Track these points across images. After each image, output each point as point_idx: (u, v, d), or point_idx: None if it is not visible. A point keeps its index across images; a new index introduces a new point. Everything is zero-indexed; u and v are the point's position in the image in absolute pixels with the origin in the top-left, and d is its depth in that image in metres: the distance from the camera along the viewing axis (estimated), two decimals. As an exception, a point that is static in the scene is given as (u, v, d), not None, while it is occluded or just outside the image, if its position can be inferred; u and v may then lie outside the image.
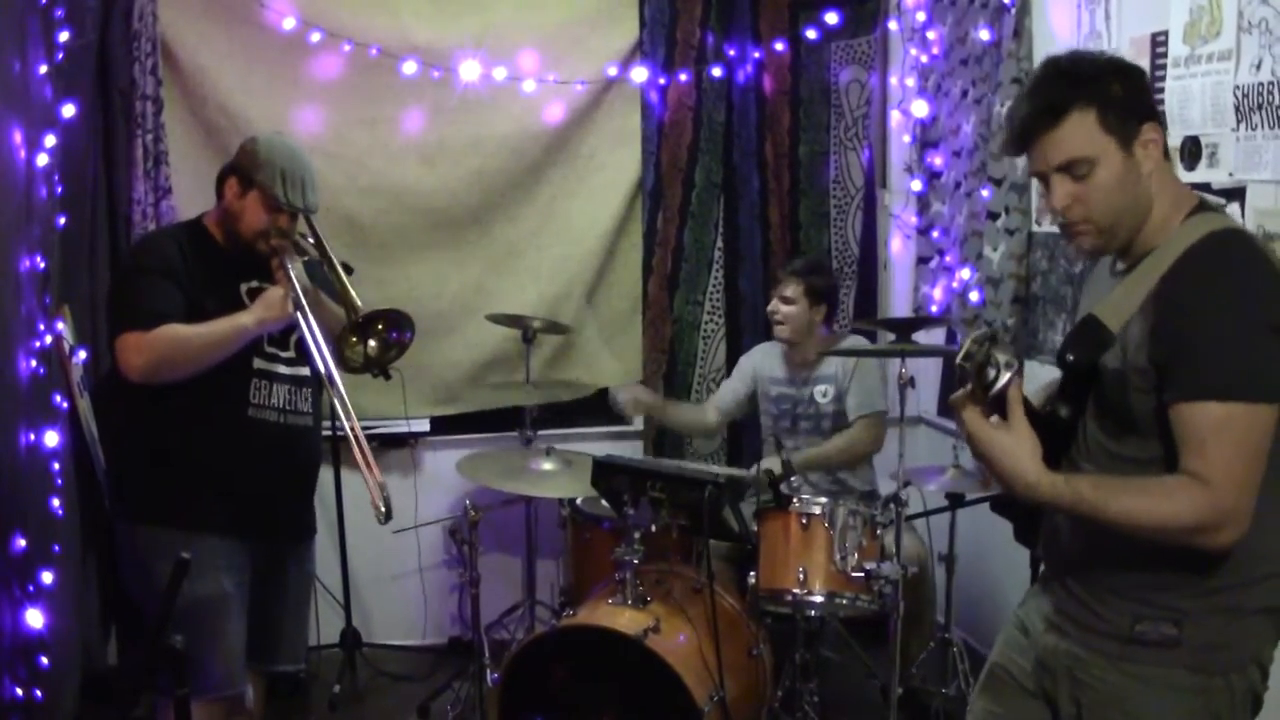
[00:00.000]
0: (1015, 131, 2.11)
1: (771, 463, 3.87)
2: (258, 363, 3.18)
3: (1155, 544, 2.00)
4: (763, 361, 4.59)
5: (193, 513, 3.08)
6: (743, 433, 5.10)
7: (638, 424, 5.21)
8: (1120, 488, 2.00)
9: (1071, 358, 2.13)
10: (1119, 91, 2.04)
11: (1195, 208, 2.10)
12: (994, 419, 2.06)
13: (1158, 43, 3.46)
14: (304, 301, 3.10)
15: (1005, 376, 2.02)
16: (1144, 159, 2.06)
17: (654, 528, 3.58)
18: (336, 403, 3.08)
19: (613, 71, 4.92)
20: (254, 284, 3.19)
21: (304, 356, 3.19)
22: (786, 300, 4.34)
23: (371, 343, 3.13)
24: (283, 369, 3.22)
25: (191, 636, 2.83)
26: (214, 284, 3.15)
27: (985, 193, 4.36)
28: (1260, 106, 3.05)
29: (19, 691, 3.10)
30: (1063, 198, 2.08)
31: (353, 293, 3.16)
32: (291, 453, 3.27)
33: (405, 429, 4.87)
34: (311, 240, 3.29)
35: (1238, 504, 1.94)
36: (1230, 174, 3.18)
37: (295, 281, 3.12)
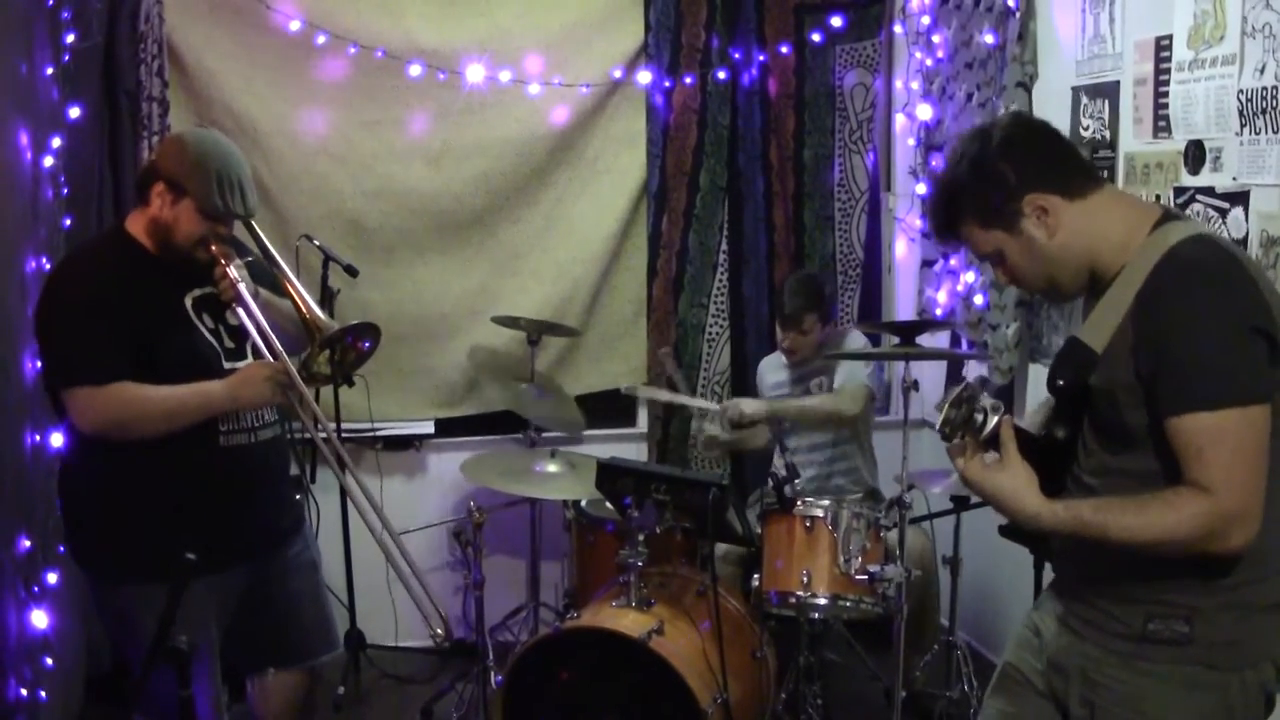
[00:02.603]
0: (940, 243, 2.47)
1: (777, 465, 3.88)
2: None
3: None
4: (765, 372, 4.64)
5: (160, 565, 2.48)
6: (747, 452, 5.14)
7: (642, 425, 5.21)
8: (1120, 507, 2.02)
9: (1061, 382, 2.18)
10: (986, 191, 2.17)
11: (1160, 219, 2.12)
12: (990, 457, 2.14)
13: (1161, 46, 3.46)
14: (254, 309, 2.91)
15: (994, 420, 2.11)
16: (1035, 227, 2.15)
17: (658, 530, 3.59)
18: (297, 404, 2.94)
19: (618, 74, 4.93)
20: (197, 293, 2.97)
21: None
22: (805, 332, 4.36)
23: (335, 354, 2.99)
24: None
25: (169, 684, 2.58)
26: (156, 302, 2.90)
27: (990, 196, 4.35)
28: (1264, 111, 3.05)
29: (24, 692, 3.11)
30: (1002, 278, 2.30)
31: (311, 305, 2.98)
32: (266, 467, 3.08)
33: (408, 431, 4.90)
34: (253, 241, 3.08)
35: (1242, 506, 1.95)
36: (1234, 178, 3.18)
37: (244, 291, 2.92)
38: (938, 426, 2.14)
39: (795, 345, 4.39)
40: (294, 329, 3.04)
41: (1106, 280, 2.12)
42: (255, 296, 2.94)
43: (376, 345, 3.06)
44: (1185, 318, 1.98)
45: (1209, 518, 1.95)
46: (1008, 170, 2.15)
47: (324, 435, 3.05)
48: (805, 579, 3.54)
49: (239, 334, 3.00)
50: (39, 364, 3.07)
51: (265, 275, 3.09)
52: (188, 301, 2.96)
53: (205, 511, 2.92)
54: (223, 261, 2.91)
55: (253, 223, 3.03)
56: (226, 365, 2.96)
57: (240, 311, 2.94)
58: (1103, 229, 2.13)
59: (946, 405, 2.12)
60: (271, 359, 2.92)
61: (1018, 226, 2.15)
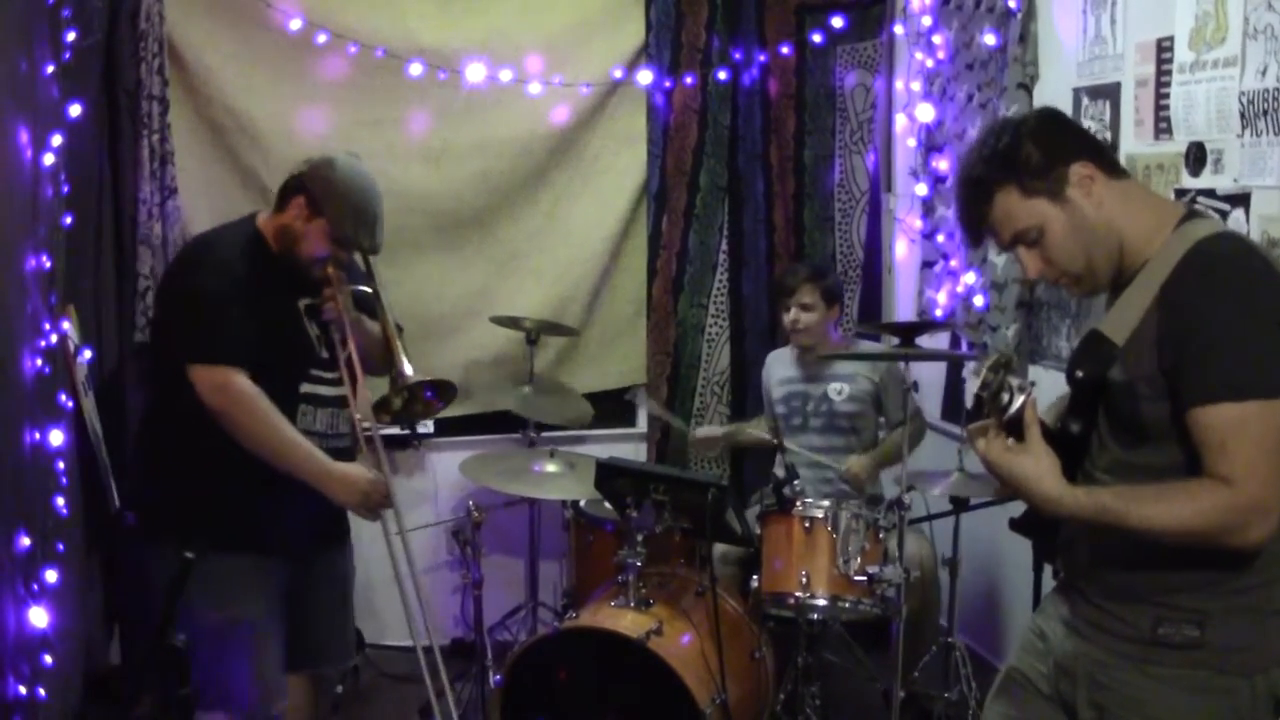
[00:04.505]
0: (963, 228, 2.25)
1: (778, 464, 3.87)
2: (305, 386, 3.13)
3: (1176, 547, 2.01)
4: (772, 367, 4.62)
5: (234, 535, 2.99)
6: (746, 452, 5.12)
7: (641, 426, 5.21)
8: (1142, 495, 2.01)
9: (1080, 374, 2.16)
10: (1031, 154, 2.11)
11: (1184, 216, 2.11)
12: (1010, 441, 2.09)
13: (1163, 48, 3.46)
14: (350, 339, 3.10)
15: (1019, 400, 2.05)
16: (1083, 196, 2.11)
17: (657, 530, 3.58)
18: (357, 418, 3.13)
19: (618, 74, 4.93)
20: (307, 301, 3.14)
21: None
22: (806, 307, 4.34)
23: (409, 399, 3.18)
24: (326, 390, 3.17)
25: (227, 658, 2.95)
26: (274, 297, 3.08)
27: (990, 197, 4.35)
28: (1265, 113, 3.05)
29: (22, 690, 3.10)
30: (1032, 266, 2.18)
31: (402, 356, 3.15)
32: None
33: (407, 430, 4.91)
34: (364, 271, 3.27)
35: (1263, 499, 1.94)
36: (1235, 180, 3.18)
37: (346, 321, 3.09)
38: (976, 389, 2.07)
39: (799, 320, 4.34)
40: (379, 353, 3.21)
41: (1129, 274, 2.11)
42: (356, 325, 3.12)
43: (449, 403, 3.24)
44: (1211, 310, 1.98)
45: (1228, 510, 1.94)
46: (1052, 138, 2.13)
47: (396, 532, 3.20)
48: (804, 580, 3.54)
49: (334, 347, 3.17)
50: (158, 331, 3.23)
51: (366, 303, 3.24)
52: (300, 305, 3.13)
53: (266, 500, 3.03)
54: (334, 285, 3.08)
55: (371, 259, 3.20)
56: (313, 371, 3.14)
57: (335, 338, 3.13)
58: (1135, 215, 2.11)
59: (985, 369, 2.06)
60: (350, 382, 3.10)
61: (1064, 195, 2.10)
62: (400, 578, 3.17)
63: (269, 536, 3.06)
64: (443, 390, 3.22)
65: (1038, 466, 2.06)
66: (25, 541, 3.18)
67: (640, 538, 3.57)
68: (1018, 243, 2.17)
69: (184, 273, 3.11)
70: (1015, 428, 2.08)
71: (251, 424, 2.95)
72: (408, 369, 3.14)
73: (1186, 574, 2.05)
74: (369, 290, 3.23)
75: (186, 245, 3.21)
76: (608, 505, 3.83)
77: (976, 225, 2.20)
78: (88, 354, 3.96)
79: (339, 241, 3.06)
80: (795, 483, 3.68)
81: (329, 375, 3.16)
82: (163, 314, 3.21)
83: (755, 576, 3.66)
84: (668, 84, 4.97)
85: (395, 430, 4.86)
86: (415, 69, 4.68)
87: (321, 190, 3.04)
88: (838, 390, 4.38)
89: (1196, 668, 2.06)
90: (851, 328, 5.21)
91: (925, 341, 4.26)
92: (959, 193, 2.23)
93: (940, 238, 4.89)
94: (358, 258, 3.24)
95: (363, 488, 3.05)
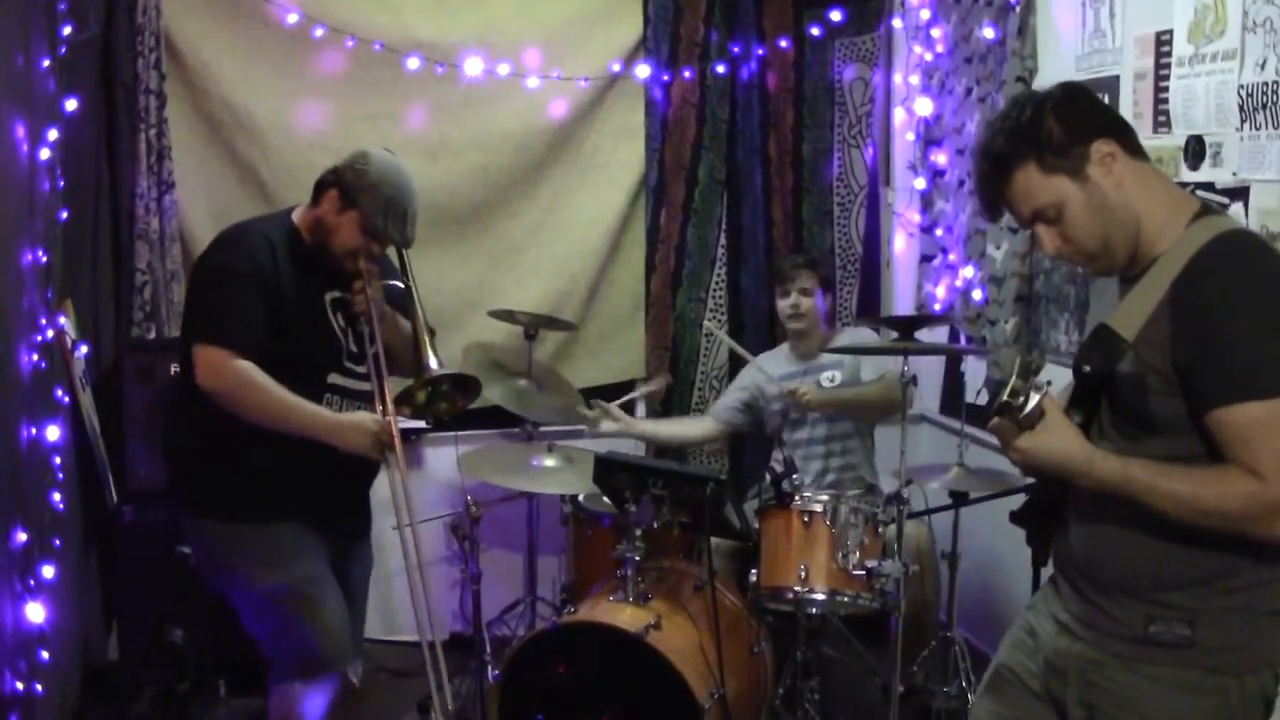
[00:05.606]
0: (981, 202, 2.22)
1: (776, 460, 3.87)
2: (333, 378, 3.16)
3: (1171, 544, 2.01)
4: (766, 365, 4.57)
5: (273, 506, 3.08)
6: (746, 446, 5.12)
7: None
8: (1171, 471, 2.00)
9: (1088, 368, 2.14)
10: (1053, 129, 2.08)
11: (1199, 211, 2.10)
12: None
13: (1162, 41, 3.45)
14: (377, 333, 3.14)
15: (1034, 400, 2.04)
16: (1103, 175, 2.08)
17: (655, 525, 3.58)
18: (391, 462, 3.13)
19: (616, 68, 4.92)
20: (335, 294, 3.17)
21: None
22: (805, 292, 4.37)
23: (433, 395, 3.23)
24: (354, 384, 3.20)
25: (285, 623, 3.05)
26: (302, 288, 3.11)
27: (989, 191, 4.35)
28: (1264, 106, 3.04)
29: (19, 686, 3.09)
30: (1050, 243, 2.15)
31: (428, 349, 3.19)
32: (358, 463, 3.21)
33: (405, 424, 4.87)
34: (398, 266, 3.29)
35: None
36: (1234, 173, 3.17)
37: (374, 313, 3.13)
38: (1005, 396, 2.06)
39: (799, 305, 4.37)
40: (408, 352, 3.24)
41: (1140, 267, 2.10)
42: (381, 319, 3.15)
43: (472, 401, 3.30)
44: (1229, 306, 1.96)
45: (1256, 501, 1.93)
46: (1075, 114, 2.11)
47: (406, 524, 3.20)
48: (803, 574, 3.53)
49: (363, 341, 3.20)
50: (184, 314, 3.25)
51: (398, 299, 3.27)
52: (326, 298, 3.16)
53: (296, 478, 3.08)
54: (365, 278, 3.12)
55: (405, 253, 3.23)
56: (346, 363, 3.18)
57: (365, 331, 3.17)
58: (1151, 199, 2.10)
59: (1014, 376, 2.05)
60: (377, 379, 3.12)
61: (1084, 173, 2.07)
62: (410, 569, 3.18)
63: (307, 508, 3.11)
64: (467, 386, 3.26)
65: (1066, 436, 2.05)
66: (22, 537, 3.18)
67: (639, 532, 3.56)
68: (1037, 220, 2.14)
69: (208, 255, 3.16)
70: (1030, 426, 2.07)
71: (246, 397, 2.96)
72: (433, 362, 3.18)
73: (1179, 572, 2.05)
74: (401, 285, 3.25)
75: (221, 231, 3.24)
76: (606, 500, 3.83)
77: (995, 200, 2.18)
78: (85, 349, 3.95)
79: (371, 234, 3.10)
80: (794, 476, 3.67)
81: (359, 369, 3.19)
82: (187, 296, 3.29)
83: (754, 571, 3.66)
84: (666, 78, 4.96)
85: (419, 424, 4.90)
86: (413, 63, 4.67)
87: (355, 183, 3.09)
88: (830, 378, 4.39)
89: (1188, 667, 2.06)
90: (849, 320, 5.20)
91: (924, 335, 4.26)
92: (977, 165, 2.20)
93: (939, 232, 4.89)
94: (391, 253, 3.26)
95: (372, 429, 3.06)
